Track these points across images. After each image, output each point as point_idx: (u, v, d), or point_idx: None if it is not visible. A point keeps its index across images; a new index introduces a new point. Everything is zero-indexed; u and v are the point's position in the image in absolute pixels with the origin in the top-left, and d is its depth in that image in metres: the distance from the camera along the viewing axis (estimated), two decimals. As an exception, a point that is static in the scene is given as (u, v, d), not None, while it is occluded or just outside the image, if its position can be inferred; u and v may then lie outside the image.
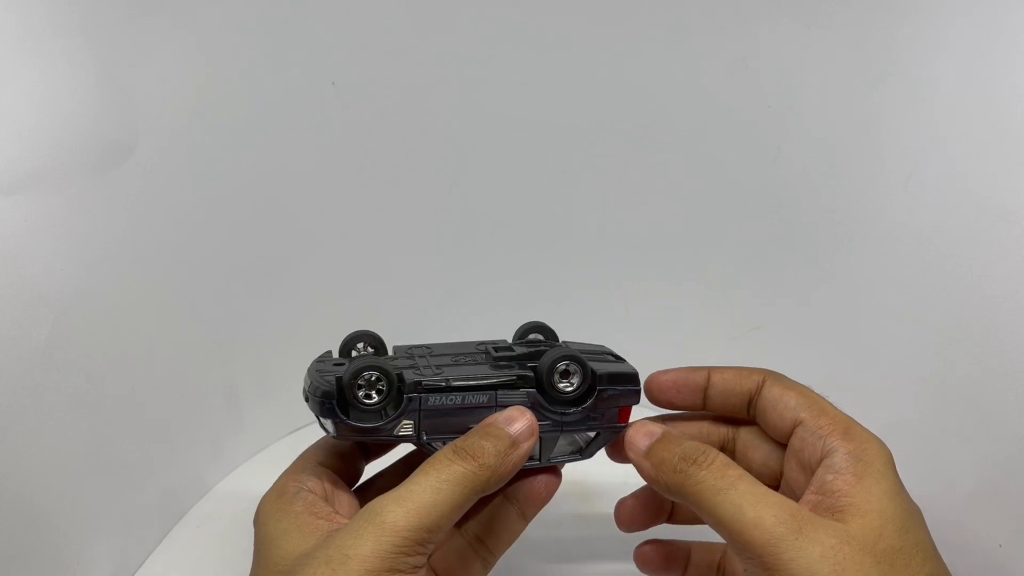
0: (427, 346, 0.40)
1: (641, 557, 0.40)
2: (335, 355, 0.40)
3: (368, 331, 0.40)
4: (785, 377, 0.38)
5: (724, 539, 0.32)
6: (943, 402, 0.45)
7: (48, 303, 0.38)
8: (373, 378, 0.35)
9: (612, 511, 0.40)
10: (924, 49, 0.46)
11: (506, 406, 0.36)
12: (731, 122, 0.53)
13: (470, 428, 0.35)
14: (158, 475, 0.48)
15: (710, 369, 0.39)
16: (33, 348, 0.38)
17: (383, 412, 0.35)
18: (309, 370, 0.37)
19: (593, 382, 0.37)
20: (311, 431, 0.58)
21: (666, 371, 0.39)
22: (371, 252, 0.56)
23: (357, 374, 0.35)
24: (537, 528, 0.38)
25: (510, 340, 0.42)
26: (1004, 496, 0.41)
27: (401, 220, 0.56)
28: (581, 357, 0.36)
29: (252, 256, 0.52)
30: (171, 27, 0.45)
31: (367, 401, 0.35)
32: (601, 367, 0.37)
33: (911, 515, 0.32)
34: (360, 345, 0.40)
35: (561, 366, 0.36)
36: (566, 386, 0.36)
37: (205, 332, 0.50)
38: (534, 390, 0.36)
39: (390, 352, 0.40)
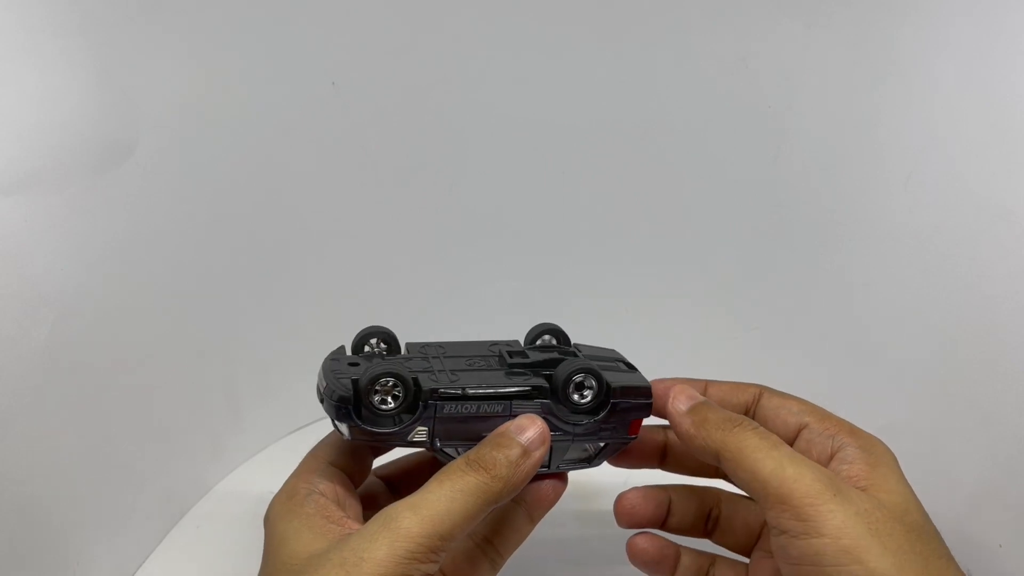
0: (440, 344, 0.40)
1: (633, 547, 0.40)
2: (348, 351, 0.40)
3: (382, 328, 0.40)
4: (779, 390, 0.39)
5: (757, 497, 0.33)
6: (943, 402, 0.45)
7: (48, 303, 0.38)
8: (390, 384, 0.35)
9: (612, 510, 0.40)
10: (924, 49, 0.46)
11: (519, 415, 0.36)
12: (731, 122, 0.53)
13: (483, 435, 0.35)
14: (158, 475, 0.48)
15: (706, 382, 0.39)
16: (33, 348, 0.38)
17: (398, 417, 0.35)
18: (323, 368, 0.37)
19: (608, 395, 0.37)
20: (311, 431, 0.58)
21: (663, 380, 0.39)
22: (370, 252, 0.56)
23: (375, 380, 0.35)
24: (538, 528, 0.38)
25: (517, 339, 0.42)
26: (1004, 496, 0.41)
27: (401, 220, 0.56)
28: (597, 370, 0.36)
29: (252, 256, 0.52)
30: (171, 27, 0.45)
31: (383, 407, 0.35)
32: (616, 380, 0.37)
33: (924, 508, 0.33)
34: (373, 341, 0.40)
35: (577, 378, 0.36)
36: (581, 398, 0.37)
37: (205, 332, 0.50)
38: (548, 401, 0.36)
39: (403, 349, 0.40)
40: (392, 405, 0.35)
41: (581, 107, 0.54)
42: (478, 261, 0.58)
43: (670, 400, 0.37)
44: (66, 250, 0.40)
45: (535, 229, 0.57)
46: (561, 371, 0.36)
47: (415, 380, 0.35)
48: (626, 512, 0.40)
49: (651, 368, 0.40)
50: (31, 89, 0.38)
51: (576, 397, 0.37)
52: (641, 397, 0.37)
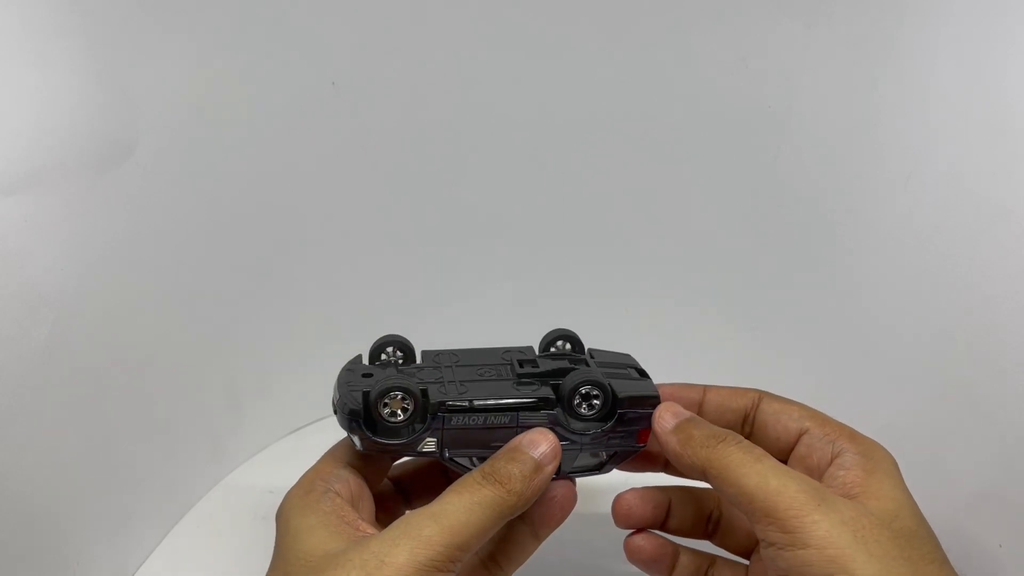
0: (454, 352, 0.41)
1: (630, 546, 0.40)
2: (365, 360, 0.40)
3: (397, 336, 0.41)
4: (779, 395, 0.39)
5: (744, 511, 0.33)
6: (943, 402, 0.45)
7: (48, 303, 0.38)
8: (399, 397, 0.36)
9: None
10: (924, 49, 0.46)
11: (527, 427, 0.36)
12: (731, 122, 0.53)
13: (492, 446, 0.36)
14: (158, 475, 0.48)
15: (705, 387, 0.40)
16: (33, 348, 0.38)
17: (407, 429, 0.36)
18: (338, 380, 0.38)
19: (615, 405, 0.37)
20: (311, 431, 0.58)
21: (661, 385, 0.39)
22: (370, 252, 0.56)
23: (384, 394, 0.35)
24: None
25: (531, 344, 0.42)
26: (1004, 496, 0.41)
27: (400, 220, 0.56)
28: (603, 381, 0.37)
29: (252, 256, 0.52)
30: (171, 27, 0.45)
31: (392, 420, 0.36)
32: (623, 389, 0.37)
33: (920, 512, 0.33)
34: (390, 350, 0.41)
35: (583, 390, 0.37)
36: (587, 410, 0.37)
37: (205, 332, 0.50)
38: (555, 412, 0.37)
39: (418, 358, 0.41)
40: (401, 418, 0.36)
41: (581, 107, 0.54)
42: (480, 263, 0.58)
43: (656, 418, 0.37)
44: (66, 250, 0.40)
45: (536, 229, 0.57)
46: (567, 383, 0.37)
47: (424, 392, 0.36)
48: (623, 513, 0.40)
49: (652, 369, 0.40)
50: (31, 89, 0.38)
51: (582, 408, 0.37)
52: (648, 407, 0.37)
